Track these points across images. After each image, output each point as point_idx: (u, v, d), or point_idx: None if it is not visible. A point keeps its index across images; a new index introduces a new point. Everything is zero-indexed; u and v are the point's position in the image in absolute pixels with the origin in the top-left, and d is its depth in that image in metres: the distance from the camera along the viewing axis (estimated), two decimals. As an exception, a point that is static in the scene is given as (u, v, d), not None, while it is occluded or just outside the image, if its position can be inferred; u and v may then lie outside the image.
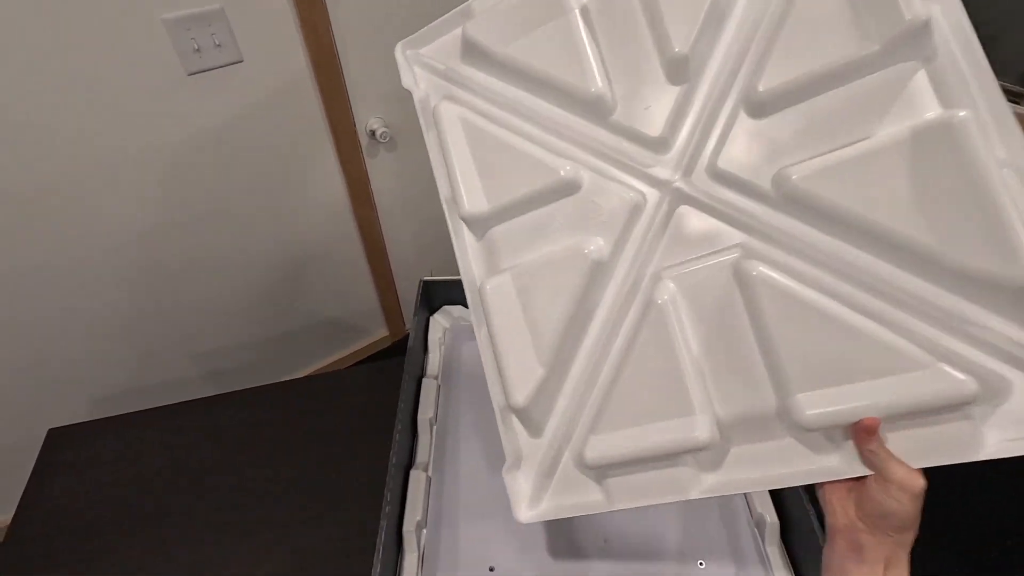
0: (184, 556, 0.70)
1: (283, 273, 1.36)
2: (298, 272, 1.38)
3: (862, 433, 0.38)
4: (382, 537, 0.56)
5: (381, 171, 1.30)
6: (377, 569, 0.53)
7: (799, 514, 0.58)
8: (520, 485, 0.49)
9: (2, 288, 1.01)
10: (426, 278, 0.84)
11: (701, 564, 0.58)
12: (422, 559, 0.60)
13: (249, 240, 1.24)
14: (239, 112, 1.04)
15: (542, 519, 0.48)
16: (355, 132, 1.20)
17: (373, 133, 1.21)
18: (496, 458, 0.65)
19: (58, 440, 0.83)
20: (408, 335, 0.79)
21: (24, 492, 0.76)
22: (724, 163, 0.45)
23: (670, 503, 0.45)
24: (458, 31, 0.54)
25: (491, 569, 0.58)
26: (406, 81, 0.56)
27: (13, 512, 0.74)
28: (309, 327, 1.51)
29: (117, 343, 1.21)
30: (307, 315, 1.48)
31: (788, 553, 0.59)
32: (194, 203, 1.11)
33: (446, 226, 0.54)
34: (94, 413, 1.20)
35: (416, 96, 0.56)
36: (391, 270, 1.50)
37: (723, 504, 0.63)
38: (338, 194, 1.28)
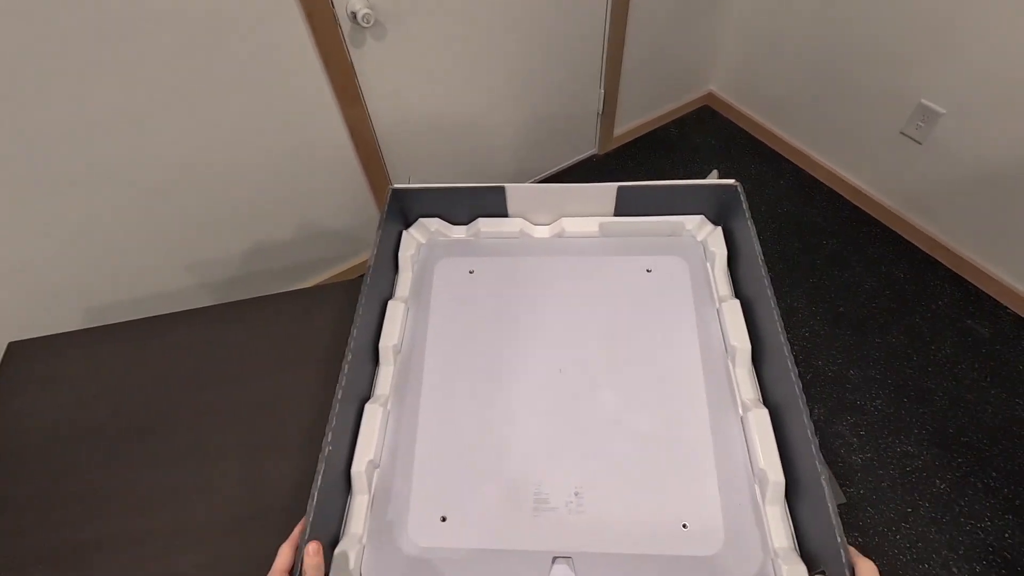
0: (144, 478, 0.67)
1: (276, 181, 1.25)
2: (291, 180, 1.27)
3: None
4: (318, 481, 0.49)
5: (369, 63, 1.14)
6: (311, 515, 0.47)
7: (808, 476, 0.48)
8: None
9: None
10: (396, 185, 0.72)
11: (685, 526, 0.50)
12: (372, 502, 0.54)
13: (234, 143, 1.13)
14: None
15: None
16: (331, 12, 1.03)
17: (355, 15, 1.05)
18: (462, 400, 0.57)
19: (20, 353, 0.79)
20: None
21: (-19, 408, 0.73)
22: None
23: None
24: None
25: (443, 519, 0.52)
26: None
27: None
28: (308, 239, 1.43)
29: (107, 253, 1.16)
30: (305, 227, 1.39)
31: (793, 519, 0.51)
32: (157, 95, 1.00)
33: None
34: (88, 324, 1.18)
35: None
36: (388, 178, 1.38)
37: (719, 459, 0.54)
38: (321, 90, 1.14)
